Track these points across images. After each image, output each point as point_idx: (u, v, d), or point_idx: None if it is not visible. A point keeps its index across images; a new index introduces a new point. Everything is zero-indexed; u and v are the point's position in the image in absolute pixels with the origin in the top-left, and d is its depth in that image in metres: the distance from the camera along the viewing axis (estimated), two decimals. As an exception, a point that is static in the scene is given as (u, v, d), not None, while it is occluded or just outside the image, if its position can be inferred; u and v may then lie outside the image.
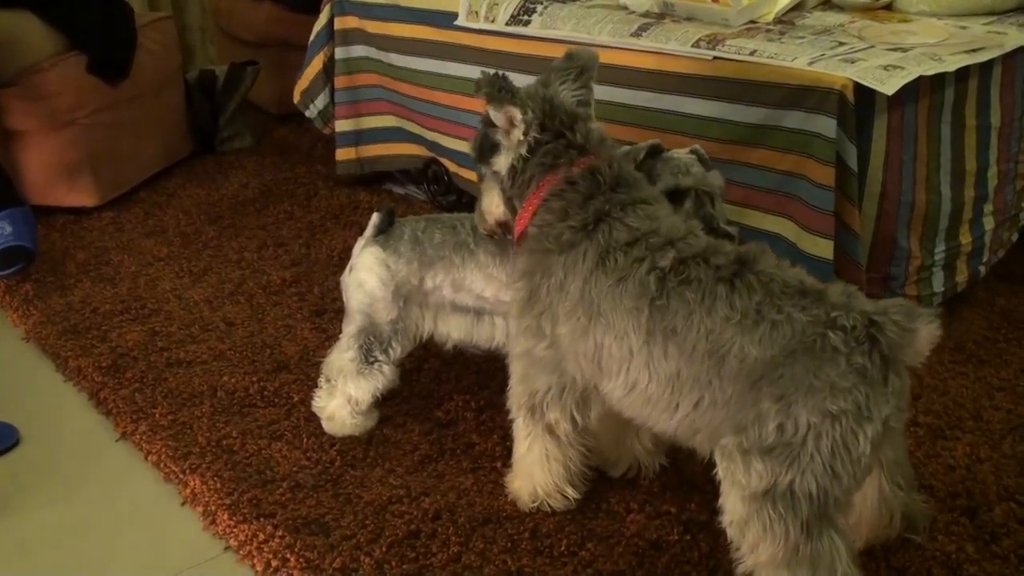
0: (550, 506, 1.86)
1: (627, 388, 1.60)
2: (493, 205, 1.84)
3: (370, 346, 2.06)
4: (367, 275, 2.04)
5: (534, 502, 1.86)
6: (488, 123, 1.75)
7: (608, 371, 1.62)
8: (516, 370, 1.81)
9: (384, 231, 2.08)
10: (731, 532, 1.52)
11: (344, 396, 2.10)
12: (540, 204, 1.70)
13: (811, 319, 1.43)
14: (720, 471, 1.51)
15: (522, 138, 1.70)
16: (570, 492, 1.85)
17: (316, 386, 2.20)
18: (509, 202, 1.79)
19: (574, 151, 1.69)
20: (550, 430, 1.79)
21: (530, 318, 1.70)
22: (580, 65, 1.74)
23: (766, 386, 1.43)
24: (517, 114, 1.68)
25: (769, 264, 1.53)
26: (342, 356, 2.10)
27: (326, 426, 2.14)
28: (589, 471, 1.88)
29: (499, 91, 1.68)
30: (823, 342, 1.41)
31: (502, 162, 1.75)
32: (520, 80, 2.61)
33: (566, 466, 1.83)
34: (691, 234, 1.61)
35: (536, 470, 1.84)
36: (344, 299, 2.14)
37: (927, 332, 1.41)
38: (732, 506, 1.50)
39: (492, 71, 1.72)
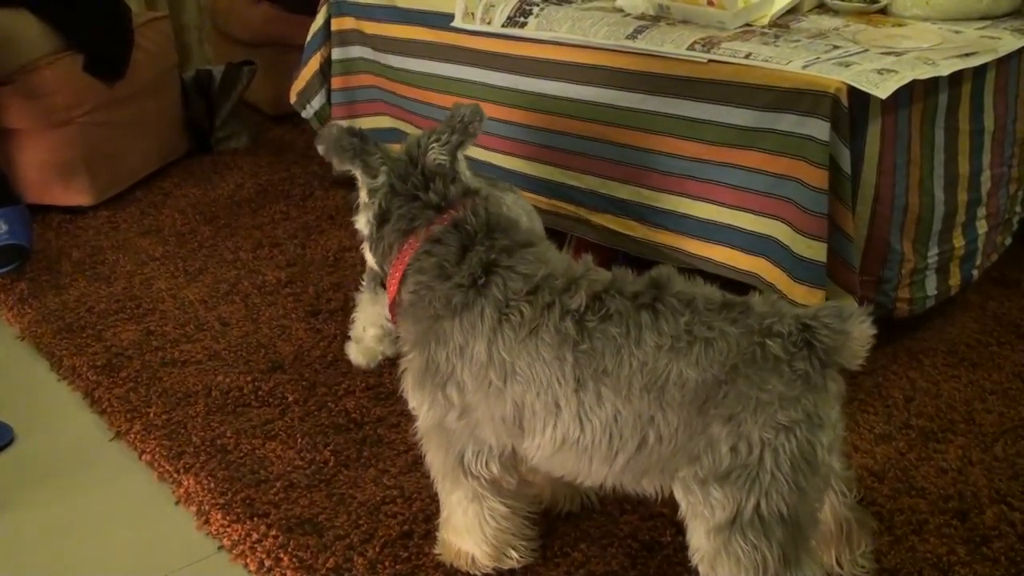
0: (504, 567, 1.74)
1: (556, 444, 1.49)
2: (367, 254, 1.72)
3: None
4: None
5: (478, 570, 1.74)
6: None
7: (531, 430, 1.52)
8: (431, 442, 1.68)
9: None
10: (702, 570, 1.45)
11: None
12: (406, 269, 1.60)
13: (744, 330, 1.38)
14: (683, 507, 1.45)
15: (368, 201, 1.63)
16: (517, 551, 1.74)
17: (311, 385, 2.21)
18: (378, 262, 1.69)
19: (431, 211, 1.59)
20: (497, 489, 1.68)
21: (431, 389, 1.59)
22: (462, 118, 1.65)
23: (713, 408, 1.38)
24: (358, 175, 1.62)
25: (682, 283, 1.47)
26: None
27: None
28: (536, 518, 1.79)
29: (339, 148, 1.59)
30: (763, 351, 1.36)
31: (362, 220, 1.67)
32: (514, 82, 2.64)
33: (516, 520, 1.73)
34: (589, 269, 1.54)
35: (485, 532, 1.71)
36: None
37: (859, 333, 1.37)
38: (698, 542, 1.44)
39: (346, 126, 1.63)
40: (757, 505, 1.37)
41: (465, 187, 1.63)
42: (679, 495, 1.45)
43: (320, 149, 1.64)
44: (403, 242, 1.61)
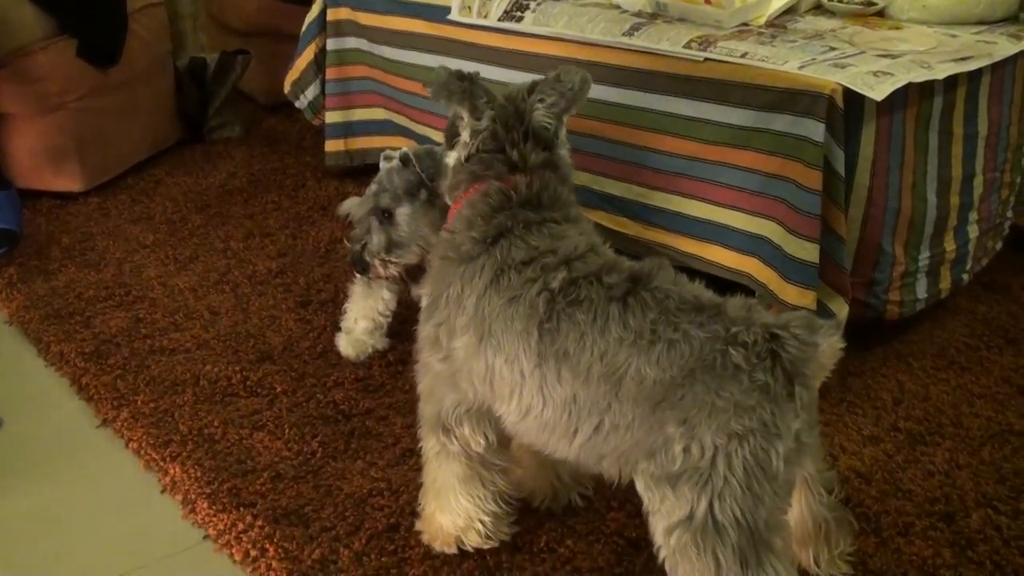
0: (467, 543, 1.75)
1: (521, 413, 1.54)
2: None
3: None
4: None
5: (447, 544, 1.76)
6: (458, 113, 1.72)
7: (500, 394, 1.56)
8: (421, 385, 1.73)
9: None
10: (666, 566, 1.45)
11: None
12: (457, 211, 1.67)
13: (709, 335, 1.39)
14: (644, 503, 1.46)
15: (468, 141, 1.68)
16: (484, 526, 1.74)
17: (300, 376, 2.20)
18: (444, 198, 1.80)
19: (503, 168, 1.64)
20: (465, 449, 1.69)
21: (430, 327, 1.65)
22: (571, 87, 1.68)
23: (668, 409, 1.39)
24: (465, 116, 1.67)
25: (666, 280, 1.48)
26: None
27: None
28: (512, 503, 1.79)
29: (448, 91, 1.66)
30: (724, 359, 1.37)
31: (453, 156, 1.73)
32: (509, 76, 2.63)
33: (483, 491, 1.73)
34: (591, 252, 1.56)
35: (450, 497, 1.73)
36: None
37: (828, 345, 1.38)
38: (658, 539, 1.44)
39: (454, 70, 1.69)
40: (710, 508, 1.37)
41: (547, 159, 1.67)
42: (640, 490, 1.47)
43: (428, 91, 1.70)
44: (470, 185, 1.67)
